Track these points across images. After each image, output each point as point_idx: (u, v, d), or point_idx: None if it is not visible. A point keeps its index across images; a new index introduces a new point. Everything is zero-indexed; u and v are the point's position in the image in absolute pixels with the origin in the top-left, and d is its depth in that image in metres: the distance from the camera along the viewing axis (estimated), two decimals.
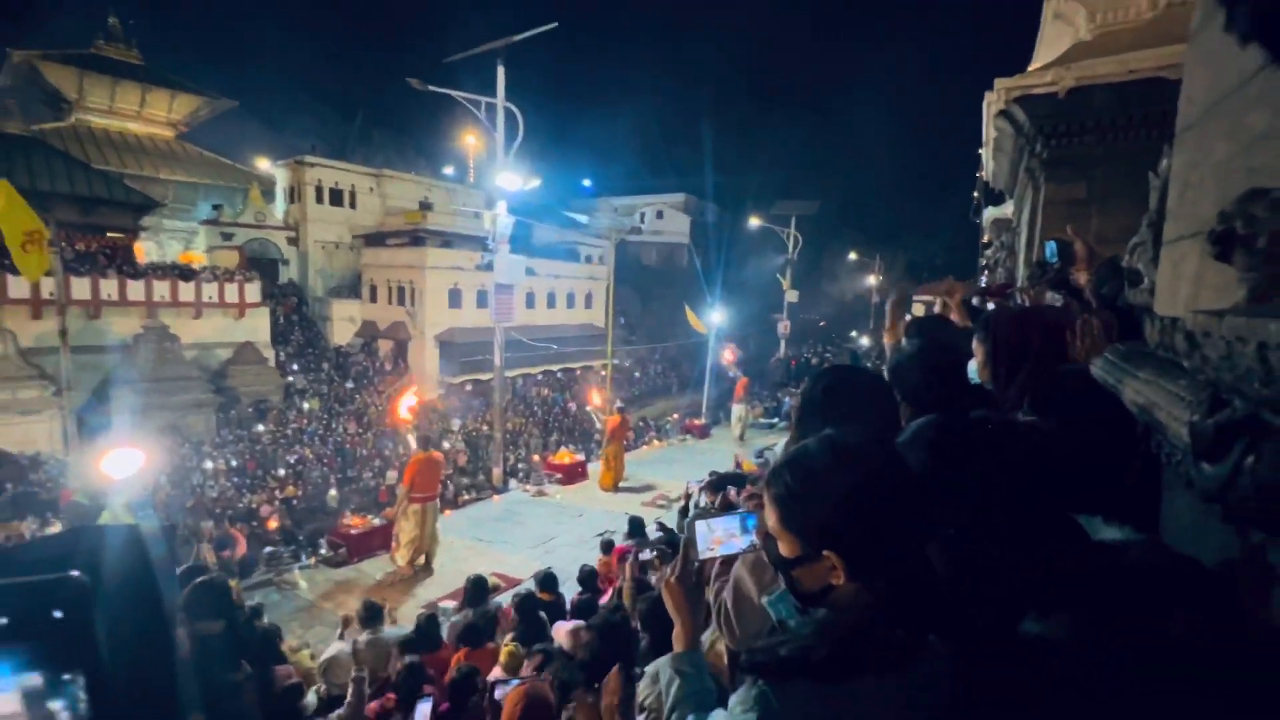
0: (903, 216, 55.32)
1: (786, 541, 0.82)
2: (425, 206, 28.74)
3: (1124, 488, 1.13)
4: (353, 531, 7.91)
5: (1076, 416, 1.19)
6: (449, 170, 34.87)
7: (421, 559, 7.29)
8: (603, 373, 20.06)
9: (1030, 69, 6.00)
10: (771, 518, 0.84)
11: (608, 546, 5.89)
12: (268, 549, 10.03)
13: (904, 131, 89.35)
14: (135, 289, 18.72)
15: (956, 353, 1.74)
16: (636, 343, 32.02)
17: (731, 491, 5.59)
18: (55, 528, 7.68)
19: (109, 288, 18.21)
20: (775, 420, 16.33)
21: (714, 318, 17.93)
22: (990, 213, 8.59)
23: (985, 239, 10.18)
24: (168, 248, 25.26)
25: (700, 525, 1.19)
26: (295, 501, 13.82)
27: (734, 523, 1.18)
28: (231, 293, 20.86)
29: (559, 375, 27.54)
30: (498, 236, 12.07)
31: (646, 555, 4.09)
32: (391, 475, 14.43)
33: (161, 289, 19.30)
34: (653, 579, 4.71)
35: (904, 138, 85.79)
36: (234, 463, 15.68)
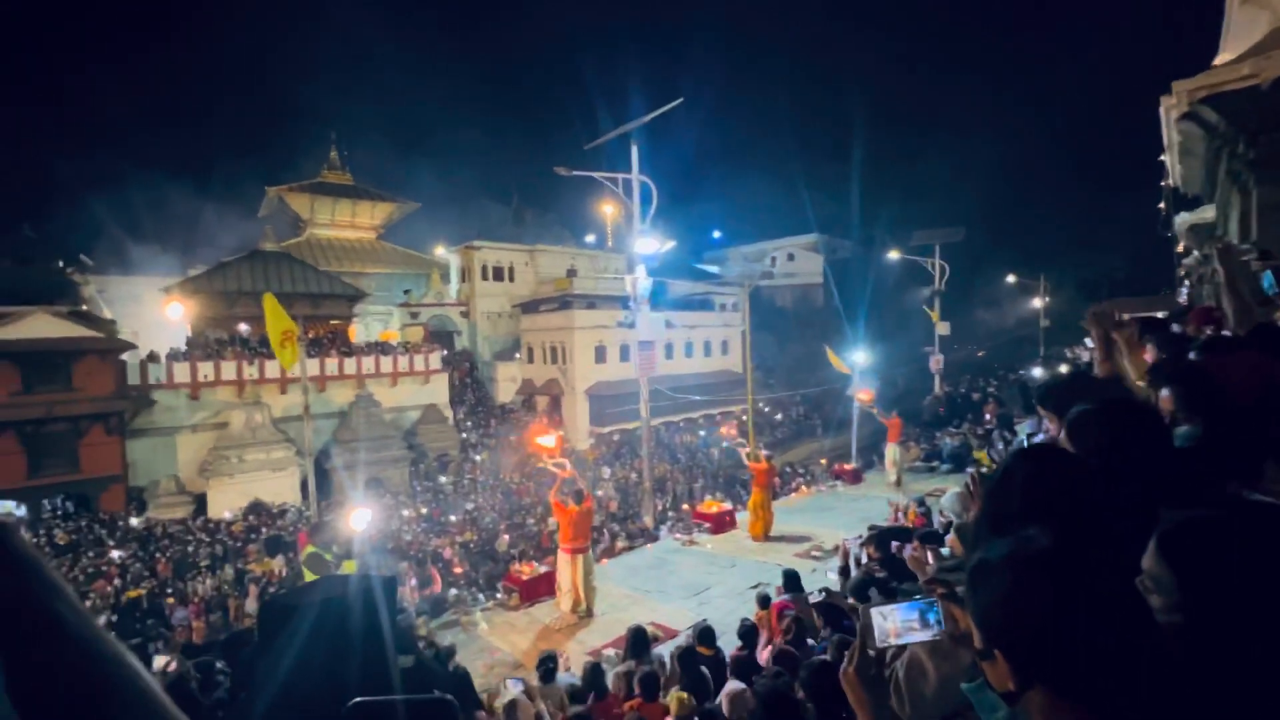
0: (1067, 232, 48.99)
1: (977, 637, 0.82)
2: (571, 274, 31.58)
3: None
4: (523, 577, 8.66)
5: None
6: (590, 238, 38.19)
7: (583, 606, 7.73)
8: (743, 417, 19.92)
9: (1216, 63, 5.30)
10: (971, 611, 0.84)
11: (764, 601, 5.80)
12: (453, 591, 11.30)
13: (1056, 144, 79.14)
14: (350, 365, 22.95)
15: (1152, 410, 1.50)
16: (775, 386, 31.33)
17: (894, 547, 5.25)
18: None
19: (331, 365, 22.53)
20: (934, 463, 14.83)
21: (857, 356, 17.06)
22: (1184, 218, 7.35)
23: (1181, 247, 8.60)
24: (371, 328, 30.64)
25: (875, 614, 1.15)
26: (471, 545, 15.40)
27: (913, 613, 1.12)
28: (419, 362, 24.58)
29: (700, 422, 27.83)
30: (638, 298, 12.86)
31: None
32: (553, 521, 15.45)
33: (368, 363, 23.38)
34: (808, 641, 4.58)
35: (1056, 151, 75.91)
36: (424, 510, 17.98)
